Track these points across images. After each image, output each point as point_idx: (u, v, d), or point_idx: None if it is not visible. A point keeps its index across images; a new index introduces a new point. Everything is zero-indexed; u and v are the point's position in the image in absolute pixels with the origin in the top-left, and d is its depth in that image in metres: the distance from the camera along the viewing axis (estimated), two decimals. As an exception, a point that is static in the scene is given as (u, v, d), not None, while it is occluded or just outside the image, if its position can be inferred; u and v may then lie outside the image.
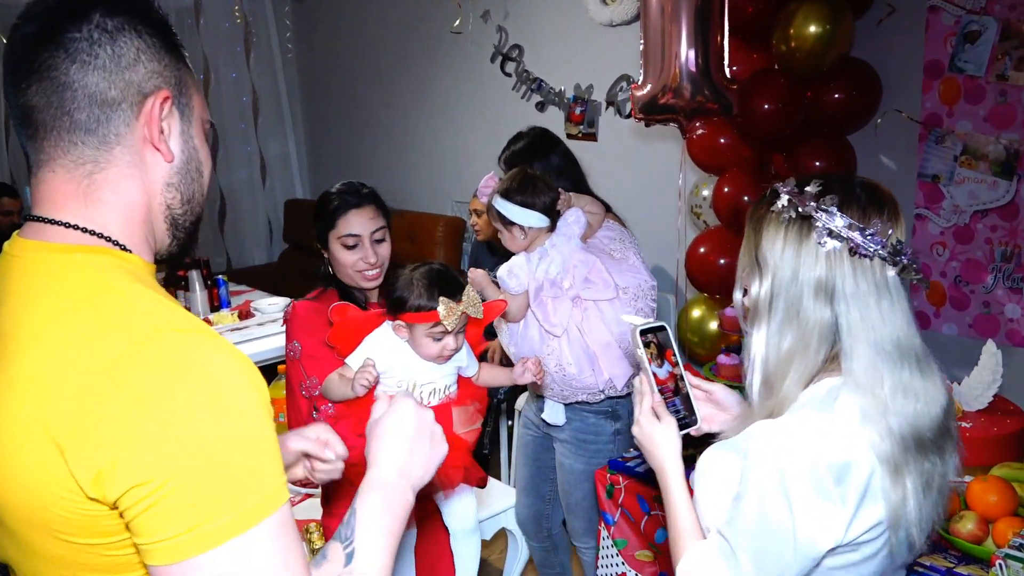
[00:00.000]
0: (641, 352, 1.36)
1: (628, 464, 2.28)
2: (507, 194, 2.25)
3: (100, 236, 0.90)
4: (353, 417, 1.77)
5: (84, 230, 0.89)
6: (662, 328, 1.39)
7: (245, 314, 3.91)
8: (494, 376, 2.02)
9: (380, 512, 0.99)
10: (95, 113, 0.88)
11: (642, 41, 2.72)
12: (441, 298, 1.73)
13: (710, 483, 1.26)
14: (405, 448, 1.07)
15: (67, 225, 0.89)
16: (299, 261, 5.84)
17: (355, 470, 1.77)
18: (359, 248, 2.00)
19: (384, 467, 1.04)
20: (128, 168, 0.91)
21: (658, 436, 1.33)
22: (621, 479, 2.27)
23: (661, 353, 1.37)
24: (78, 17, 0.87)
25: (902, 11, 2.90)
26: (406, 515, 1.03)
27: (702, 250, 3.09)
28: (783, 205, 1.21)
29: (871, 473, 1.13)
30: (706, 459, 1.29)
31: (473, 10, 4.58)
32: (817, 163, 2.82)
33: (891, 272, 1.17)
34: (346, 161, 6.03)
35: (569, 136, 4.20)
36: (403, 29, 5.19)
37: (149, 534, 0.78)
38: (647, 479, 2.21)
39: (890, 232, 1.17)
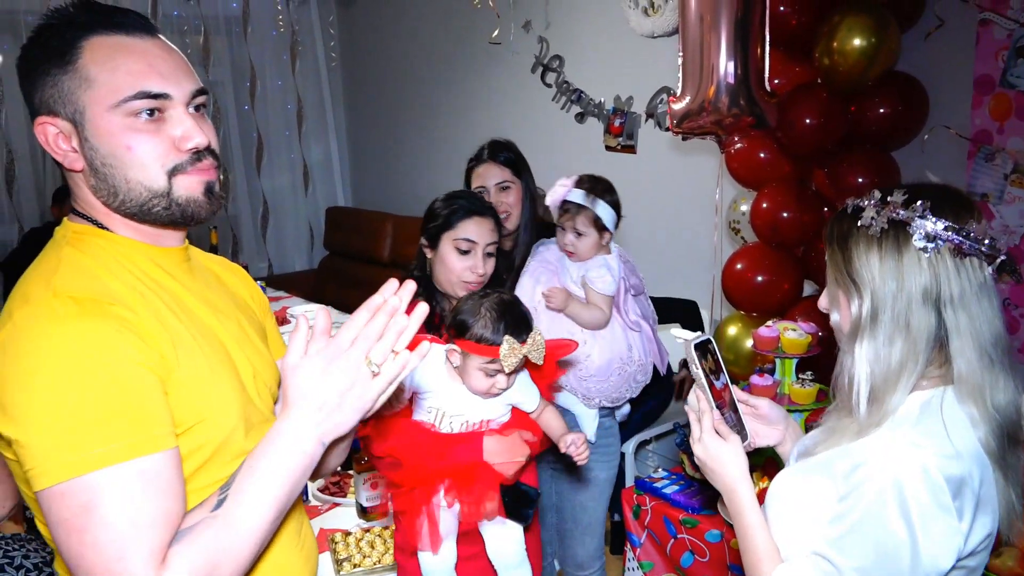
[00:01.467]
0: (696, 368, 1.31)
1: (655, 485, 2.24)
2: (603, 196, 2.20)
3: (90, 220, 1.09)
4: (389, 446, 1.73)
5: (82, 215, 1.10)
6: (708, 341, 1.35)
7: (281, 320, 3.94)
8: (550, 426, 1.85)
9: (268, 461, 0.97)
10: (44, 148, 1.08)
11: (680, 53, 2.68)
12: (507, 336, 1.64)
13: (789, 508, 1.22)
14: (319, 399, 0.98)
15: (76, 212, 1.11)
16: (338, 268, 5.90)
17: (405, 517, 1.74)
18: (471, 256, 1.98)
19: (292, 419, 0.98)
20: (71, 180, 1.10)
21: (725, 455, 1.29)
22: (648, 500, 2.23)
23: (712, 368, 1.34)
24: (22, 86, 1.07)
25: (951, 24, 2.82)
26: (306, 465, 0.99)
27: (739, 266, 3.03)
28: (872, 218, 1.18)
29: (981, 482, 1.13)
30: (784, 483, 1.25)
31: (515, 20, 4.58)
32: (860, 179, 2.74)
33: (988, 270, 1.16)
34: (387, 169, 6.07)
35: (608, 148, 4.17)
36: (446, 38, 5.21)
37: (24, 463, 0.93)
38: (674, 501, 2.16)
39: (987, 230, 1.16)
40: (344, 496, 2.44)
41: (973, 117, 2.83)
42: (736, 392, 1.37)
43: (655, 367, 2.31)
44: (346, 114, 6.51)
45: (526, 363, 1.72)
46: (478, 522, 1.77)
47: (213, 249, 4.25)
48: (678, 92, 2.71)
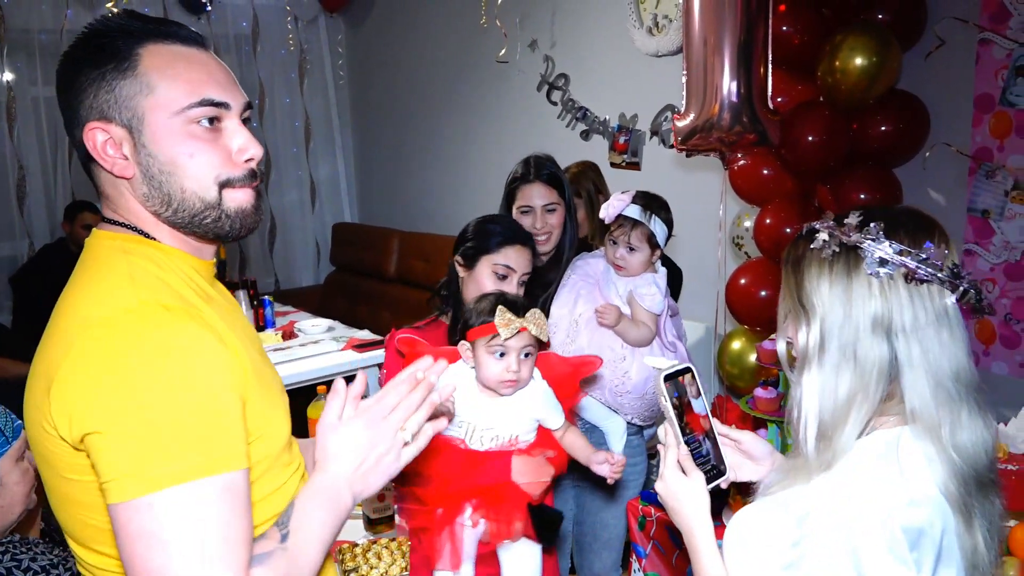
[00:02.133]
0: (665, 401, 1.25)
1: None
2: (659, 213, 2.22)
3: (134, 229, 1.06)
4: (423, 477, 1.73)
5: (124, 225, 1.07)
6: (688, 371, 1.28)
7: (289, 335, 3.98)
8: (576, 446, 1.81)
9: (316, 506, 1.02)
10: (81, 155, 1.07)
11: (684, 72, 2.72)
12: (499, 307, 1.67)
13: (749, 545, 1.11)
14: (349, 463, 1.04)
15: (114, 221, 1.08)
16: (345, 283, 5.93)
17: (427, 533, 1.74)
18: (507, 282, 1.96)
19: (326, 476, 1.03)
20: (113, 189, 1.07)
21: (684, 493, 1.22)
22: (653, 511, 2.25)
23: (686, 398, 1.27)
24: (61, 91, 1.06)
25: (952, 44, 2.86)
26: (342, 517, 1.05)
27: (743, 281, 3.06)
28: (824, 240, 1.12)
29: (943, 532, 1.05)
30: (744, 520, 1.14)
31: (521, 39, 4.64)
32: (862, 195, 2.78)
33: (950, 299, 1.08)
34: (394, 186, 6.12)
35: (612, 165, 4.21)
36: (452, 57, 5.28)
37: (103, 474, 0.89)
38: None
39: (946, 254, 1.08)
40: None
41: (974, 135, 2.87)
42: (717, 425, 1.31)
43: None
44: (353, 132, 6.57)
45: (539, 361, 1.74)
46: (500, 543, 1.75)
47: (222, 264, 4.29)
48: (682, 110, 2.75)
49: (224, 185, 1.05)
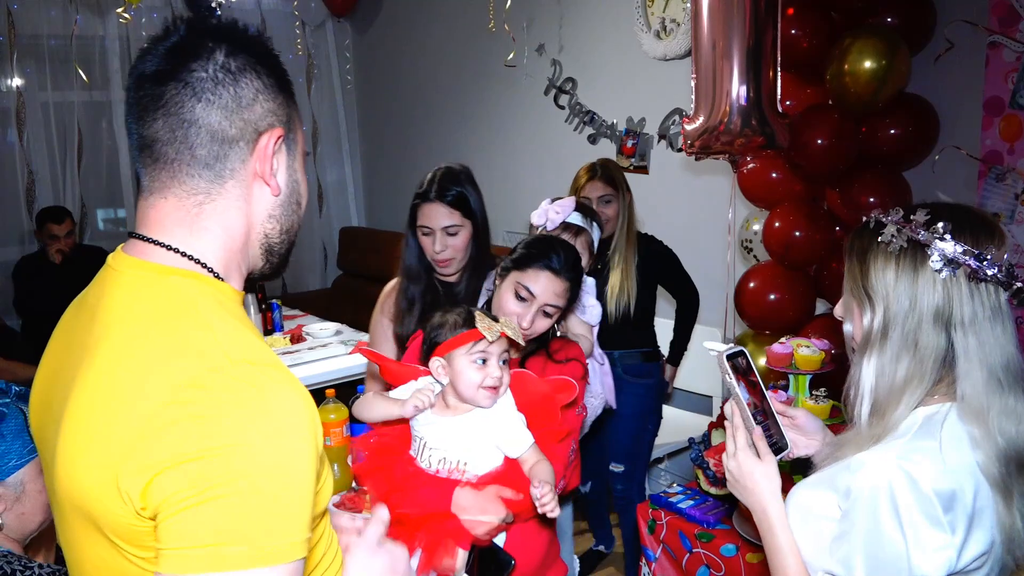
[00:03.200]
0: (732, 380, 1.30)
1: (670, 500, 2.25)
2: (596, 220, 2.25)
3: (197, 262, 0.94)
4: (381, 476, 1.67)
5: (184, 254, 0.94)
6: (742, 353, 1.34)
7: (297, 338, 3.98)
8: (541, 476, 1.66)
9: None
10: (214, 149, 0.93)
11: (693, 75, 2.73)
12: (477, 313, 1.63)
13: (805, 523, 1.22)
14: None
15: (169, 247, 0.94)
16: (352, 287, 5.94)
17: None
18: (526, 305, 1.80)
19: None
20: (236, 201, 0.96)
21: (758, 474, 1.27)
22: (663, 515, 2.24)
23: (746, 379, 1.32)
24: (201, 56, 0.92)
25: (961, 47, 2.86)
26: None
27: (752, 285, 3.06)
28: (892, 235, 1.20)
29: (975, 496, 1.13)
30: (799, 498, 1.25)
31: (528, 43, 4.65)
32: (871, 199, 2.78)
33: (1004, 296, 1.17)
34: (401, 190, 6.13)
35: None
36: (460, 62, 5.29)
37: (168, 539, 0.79)
38: (689, 515, 2.18)
39: (1005, 256, 1.16)
40: (360, 511, 2.46)
41: (983, 138, 2.86)
42: (774, 403, 1.36)
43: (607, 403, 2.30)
44: (361, 136, 6.59)
45: (513, 381, 1.65)
46: None
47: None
48: (691, 114, 2.75)
49: None
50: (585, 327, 2.16)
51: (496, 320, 1.66)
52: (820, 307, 3.10)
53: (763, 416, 1.31)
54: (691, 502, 2.20)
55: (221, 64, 0.92)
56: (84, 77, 4.89)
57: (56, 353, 1.01)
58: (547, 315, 1.81)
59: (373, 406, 1.73)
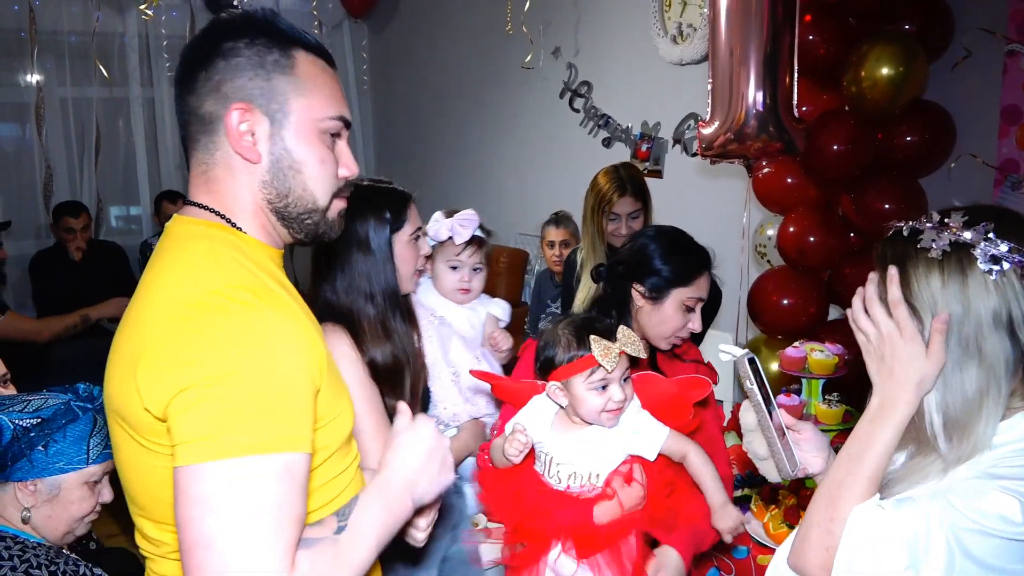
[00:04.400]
0: (753, 385, 1.26)
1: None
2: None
3: (221, 216, 1.10)
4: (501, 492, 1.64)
5: (211, 210, 1.10)
6: (753, 360, 1.29)
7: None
8: (703, 479, 1.61)
9: (378, 506, 1.06)
10: (198, 127, 1.09)
11: (710, 80, 2.74)
12: (592, 337, 1.51)
13: (881, 551, 1.08)
14: (416, 464, 1.13)
15: (201, 206, 1.11)
16: (364, 287, 5.97)
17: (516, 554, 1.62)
18: (694, 314, 1.82)
19: (393, 475, 1.11)
20: (225, 170, 1.10)
21: (914, 368, 1.12)
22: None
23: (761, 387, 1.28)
24: (200, 56, 1.08)
25: (978, 55, 2.86)
26: (400, 521, 1.10)
27: (766, 289, 3.06)
28: (932, 240, 1.13)
29: None
30: (871, 521, 1.11)
31: (545, 46, 4.66)
32: (887, 206, 2.78)
33: None
34: (415, 191, 6.14)
35: (635, 172, 4.23)
36: (476, 63, 5.31)
37: (177, 436, 0.92)
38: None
39: None
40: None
41: (1000, 146, 2.86)
42: (784, 417, 1.30)
43: None
44: (376, 136, 6.62)
45: (638, 385, 1.59)
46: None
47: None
48: (707, 118, 2.76)
49: (335, 195, 1.15)
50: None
51: (612, 336, 1.54)
52: (833, 312, 3.10)
53: (779, 428, 1.26)
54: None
55: (206, 55, 1.07)
56: (104, 73, 4.93)
57: (128, 308, 1.14)
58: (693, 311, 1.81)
59: (495, 455, 1.66)
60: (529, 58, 4.54)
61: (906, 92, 2.68)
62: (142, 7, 4.42)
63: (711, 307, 2.66)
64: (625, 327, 1.57)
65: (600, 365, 1.50)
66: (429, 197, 6.68)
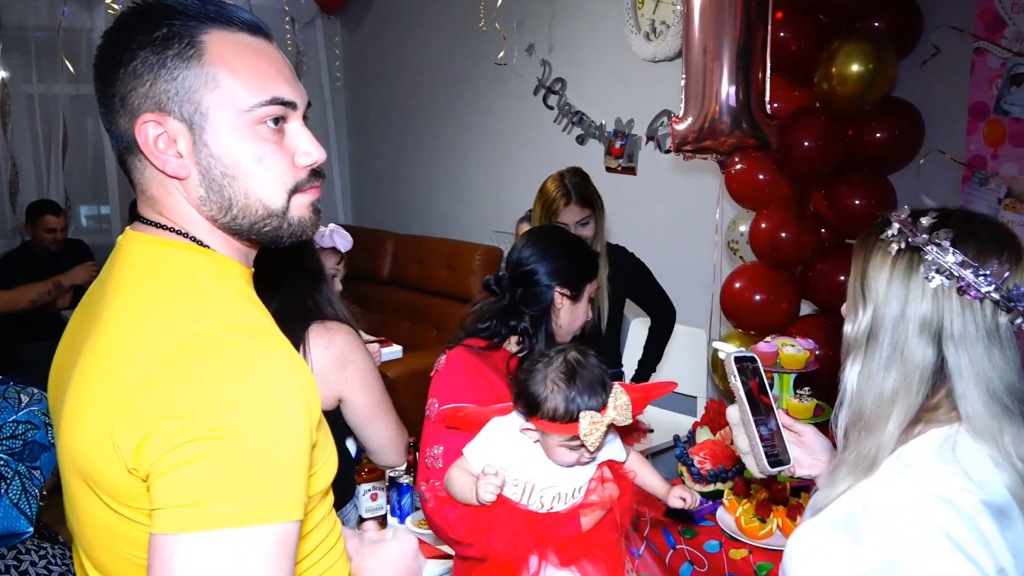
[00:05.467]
0: (737, 382, 1.27)
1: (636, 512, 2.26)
2: None
3: (187, 236, 0.95)
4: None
5: (174, 230, 0.95)
6: (754, 360, 1.30)
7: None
8: (648, 481, 1.69)
9: None
10: (121, 146, 0.94)
11: (683, 76, 2.74)
12: (583, 412, 1.44)
13: (815, 571, 1.12)
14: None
15: (160, 226, 0.95)
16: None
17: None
18: (590, 302, 1.90)
19: None
20: (160, 188, 0.95)
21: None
22: (647, 511, 2.25)
23: (755, 387, 1.29)
24: (105, 73, 0.93)
25: (947, 53, 2.89)
26: None
27: (738, 285, 3.07)
28: (892, 235, 1.14)
29: (1010, 506, 1.06)
30: (802, 546, 1.15)
31: (519, 43, 4.65)
32: (857, 201, 2.80)
33: (1003, 318, 1.08)
34: (390, 189, 6.12)
35: (608, 169, 4.23)
36: (449, 60, 5.29)
37: (158, 500, 0.79)
38: (673, 513, 2.18)
39: (1007, 275, 1.07)
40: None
41: (968, 143, 2.89)
42: (781, 416, 1.32)
43: None
44: (349, 134, 6.57)
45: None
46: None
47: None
48: (680, 113, 2.77)
49: (293, 191, 0.97)
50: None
51: (604, 394, 1.48)
52: (805, 308, 3.12)
53: (767, 428, 1.28)
54: (649, 514, 2.20)
55: (105, 63, 0.92)
56: (71, 69, 4.85)
57: (71, 329, 1.02)
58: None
59: (454, 488, 1.61)
60: (502, 54, 4.52)
61: (876, 89, 2.70)
62: (109, 1, 4.34)
63: (639, 274, 2.85)
64: (618, 387, 1.50)
65: (581, 441, 1.45)
66: (402, 192, 6.67)
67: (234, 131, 0.91)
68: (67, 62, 4.84)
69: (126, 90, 0.90)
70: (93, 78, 0.94)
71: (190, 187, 0.93)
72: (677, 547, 2.13)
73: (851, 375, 1.15)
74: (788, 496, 2.05)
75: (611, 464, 1.65)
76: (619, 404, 1.47)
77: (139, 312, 0.88)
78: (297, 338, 1.75)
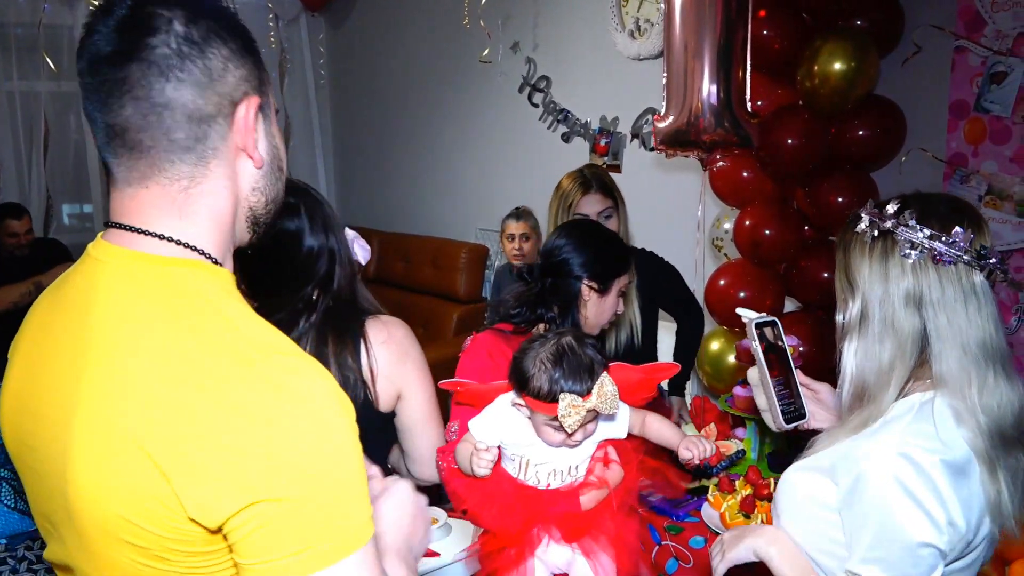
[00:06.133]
0: (756, 344, 1.40)
1: (640, 492, 2.27)
2: None
3: (195, 250, 0.88)
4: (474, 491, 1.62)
5: (179, 243, 0.87)
6: (774, 323, 1.43)
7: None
8: (663, 434, 1.71)
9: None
10: (193, 130, 0.86)
11: (665, 74, 2.75)
12: (563, 394, 1.46)
13: (798, 506, 1.30)
14: (407, 529, 1.03)
15: (162, 237, 0.87)
16: (323, 283, 5.91)
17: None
18: (626, 298, 1.98)
19: (398, 543, 1.00)
20: (222, 180, 0.90)
21: (748, 538, 1.35)
22: (640, 508, 2.26)
23: (772, 348, 1.42)
24: (159, 28, 0.84)
25: (928, 51, 2.91)
26: None
27: (722, 282, 3.09)
28: (865, 227, 1.27)
29: (968, 465, 1.19)
30: (792, 482, 1.32)
31: (503, 41, 4.65)
32: (840, 199, 2.82)
33: (978, 277, 1.21)
34: (375, 187, 6.10)
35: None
36: (434, 58, 5.28)
37: (254, 555, 0.77)
38: (658, 508, 2.19)
39: (972, 239, 1.21)
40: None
41: (949, 140, 2.92)
42: (799, 376, 1.46)
43: None
44: (333, 132, 6.55)
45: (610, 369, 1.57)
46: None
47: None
48: (663, 112, 2.77)
49: None
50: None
51: (590, 380, 1.49)
52: (789, 305, 3.14)
53: (785, 386, 1.41)
54: (660, 495, 2.21)
55: (183, 35, 0.84)
56: (52, 66, 4.81)
57: (34, 354, 0.92)
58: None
59: (461, 462, 1.63)
60: (487, 52, 4.52)
61: (858, 87, 2.72)
62: (89, -2, 4.32)
63: (665, 278, 2.76)
64: (606, 378, 1.51)
65: (560, 422, 1.47)
66: (387, 191, 6.66)
67: (279, 129, 0.97)
68: (48, 59, 4.79)
69: (226, 67, 0.87)
70: (135, 39, 0.83)
71: (252, 176, 0.93)
72: (663, 543, 2.14)
73: (848, 357, 1.29)
74: (772, 493, 2.06)
75: (619, 443, 1.65)
76: (604, 392, 1.47)
77: (157, 342, 0.81)
78: (356, 335, 1.69)
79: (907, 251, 1.22)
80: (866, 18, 2.83)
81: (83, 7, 5.27)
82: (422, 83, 5.42)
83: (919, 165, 2.96)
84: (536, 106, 4.61)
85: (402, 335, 1.75)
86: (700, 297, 3.19)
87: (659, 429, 1.72)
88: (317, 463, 0.78)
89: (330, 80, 6.43)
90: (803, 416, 1.42)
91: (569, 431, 1.47)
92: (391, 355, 1.70)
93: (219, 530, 0.78)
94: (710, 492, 2.16)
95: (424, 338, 4.78)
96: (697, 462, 1.70)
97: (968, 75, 2.85)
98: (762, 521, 1.99)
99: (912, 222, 1.22)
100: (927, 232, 1.21)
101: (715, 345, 3.14)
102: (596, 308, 1.92)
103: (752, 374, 1.45)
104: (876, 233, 1.26)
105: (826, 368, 1.46)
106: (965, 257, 1.20)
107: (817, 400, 1.51)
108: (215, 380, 0.77)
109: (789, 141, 2.77)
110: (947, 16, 2.87)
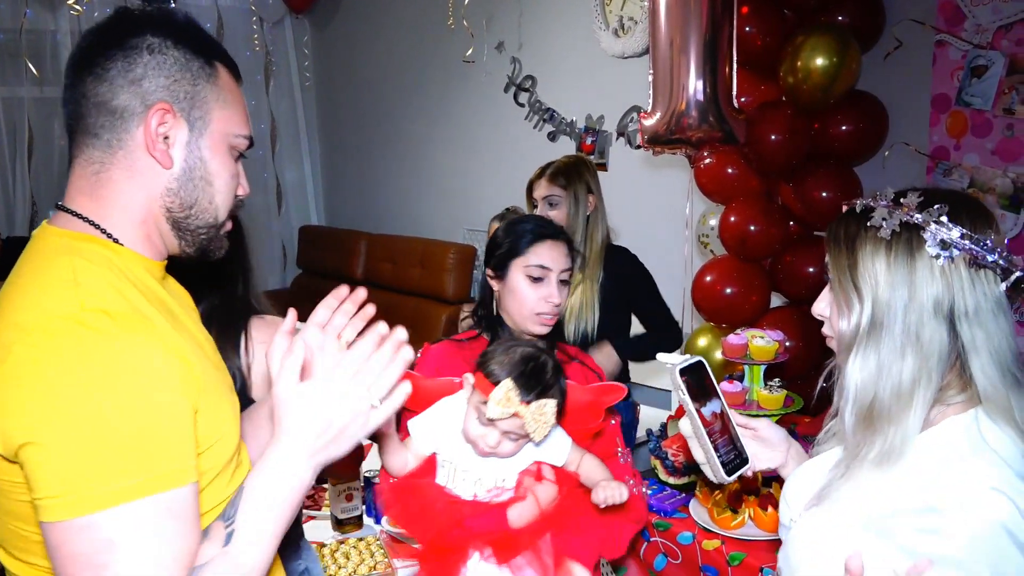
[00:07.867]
0: (684, 394, 1.23)
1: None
2: None
3: (96, 227, 1.01)
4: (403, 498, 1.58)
5: (85, 219, 1.01)
6: (700, 364, 1.27)
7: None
8: (592, 476, 1.61)
9: (270, 488, 0.95)
10: (102, 120, 1.00)
11: (651, 72, 2.75)
12: (506, 380, 1.45)
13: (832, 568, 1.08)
14: (319, 427, 0.96)
15: (75, 214, 1.01)
16: (312, 286, 5.89)
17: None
18: (544, 284, 1.77)
19: (289, 446, 0.95)
20: (127, 171, 1.01)
21: None
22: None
23: (701, 392, 1.26)
24: (113, 42, 1.00)
25: (909, 45, 2.93)
26: (301, 496, 0.97)
27: (708, 279, 3.09)
28: (883, 219, 1.08)
29: None
30: (811, 541, 1.14)
31: (488, 41, 4.65)
32: (824, 194, 2.83)
33: (1001, 286, 1.07)
34: (361, 188, 6.09)
35: (580, 165, 4.24)
36: (419, 59, 5.28)
37: (38, 490, 0.85)
38: (646, 505, 2.20)
39: (1006, 242, 1.07)
40: (319, 509, 2.45)
41: (931, 134, 2.93)
42: (734, 416, 1.31)
43: None
44: (320, 133, 6.54)
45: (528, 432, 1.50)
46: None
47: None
48: (649, 109, 2.78)
49: (228, 216, 1.11)
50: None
51: (536, 394, 1.46)
52: (775, 300, 3.14)
53: (722, 432, 1.26)
54: (648, 492, 2.22)
55: (122, 43, 0.99)
56: (35, 72, 4.77)
57: None
58: (565, 283, 1.80)
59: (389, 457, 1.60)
60: (471, 52, 4.51)
61: (840, 82, 2.73)
62: (71, 2, 4.28)
63: (639, 281, 2.65)
64: (551, 403, 1.46)
65: (486, 404, 1.44)
66: (374, 192, 6.65)
67: (222, 148, 1.06)
68: (30, 64, 4.76)
69: (146, 73, 1.00)
70: (94, 41, 1.01)
71: (164, 177, 1.03)
72: (651, 539, 2.15)
73: (853, 371, 1.10)
74: (759, 486, 2.07)
75: (557, 469, 1.60)
76: (541, 411, 1.44)
77: (11, 297, 0.94)
78: (239, 334, 1.70)
79: (937, 251, 1.04)
80: (847, 13, 2.84)
81: (65, 12, 5.24)
82: (408, 84, 5.42)
83: (902, 159, 2.97)
84: (522, 106, 4.62)
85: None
86: (687, 294, 3.19)
87: (589, 470, 1.61)
88: (97, 411, 0.84)
89: (316, 82, 6.42)
90: (746, 462, 1.28)
91: (489, 416, 1.44)
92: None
93: (15, 461, 0.87)
94: (697, 488, 2.16)
95: (413, 339, 4.78)
96: (603, 506, 1.55)
97: (949, 69, 2.87)
98: (749, 516, 2.00)
99: (943, 218, 1.05)
100: (960, 231, 1.04)
101: (702, 342, 3.14)
102: (509, 298, 1.79)
103: (684, 426, 1.28)
104: (897, 227, 1.07)
105: (813, 364, 1.37)
106: (1001, 261, 1.05)
107: (757, 438, 1.35)
108: (32, 327, 0.88)
109: (773, 137, 2.78)
110: (927, 11, 2.89)
